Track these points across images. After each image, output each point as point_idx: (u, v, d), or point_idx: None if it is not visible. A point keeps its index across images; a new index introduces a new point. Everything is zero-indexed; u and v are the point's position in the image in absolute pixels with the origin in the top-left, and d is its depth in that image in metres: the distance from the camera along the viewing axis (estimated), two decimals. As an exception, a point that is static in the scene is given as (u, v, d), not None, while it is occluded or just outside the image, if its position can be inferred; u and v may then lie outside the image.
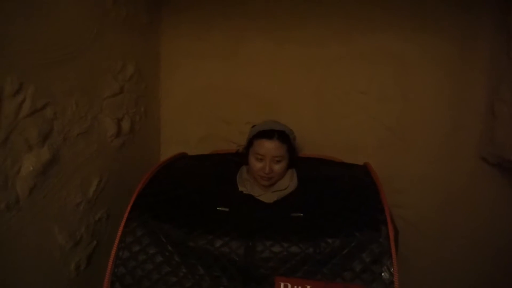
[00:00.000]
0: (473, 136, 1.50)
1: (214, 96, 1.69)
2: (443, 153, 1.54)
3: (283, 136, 1.21)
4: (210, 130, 1.71)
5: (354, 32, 1.54)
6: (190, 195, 1.15)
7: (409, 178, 1.56)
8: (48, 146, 1.00)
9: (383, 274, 0.90)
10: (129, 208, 1.05)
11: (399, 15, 1.50)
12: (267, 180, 1.19)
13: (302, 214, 1.06)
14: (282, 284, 0.92)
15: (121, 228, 1.02)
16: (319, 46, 1.57)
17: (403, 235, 1.43)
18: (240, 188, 1.22)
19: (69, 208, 1.12)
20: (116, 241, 1.00)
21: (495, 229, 1.50)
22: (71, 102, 1.09)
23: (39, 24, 0.96)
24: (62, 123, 1.06)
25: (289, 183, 1.21)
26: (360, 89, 1.57)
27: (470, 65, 1.47)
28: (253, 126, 1.30)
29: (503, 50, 1.35)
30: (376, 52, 1.54)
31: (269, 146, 1.18)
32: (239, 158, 1.34)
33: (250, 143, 1.25)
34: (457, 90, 1.50)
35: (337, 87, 1.59)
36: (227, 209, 1.11)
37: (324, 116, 1.61)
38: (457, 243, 1.55)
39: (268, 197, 1.18)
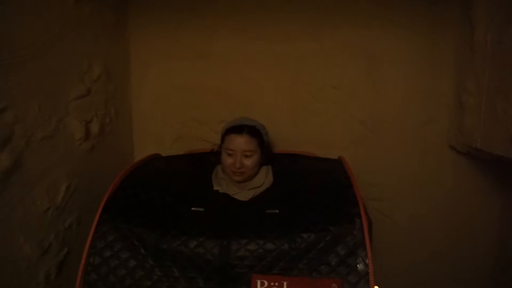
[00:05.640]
0: (444, 127, 1.54)
1: (187, 96, 1.66)
2: (415, 145, 1.57)
3: (253, 130, 1.21)
4: (184, 130, 1.69)
5: (325, 28, 1.55)
6: (163, 196, 1.12)
7: (383, 171, 1.59)
8: (9, 151, 0.95)
9: (358, 265, 0.90)
10: (99, 212, 1.01)
11: (368, 10, 1.52)
12: (239, 175, 1.18)
13: (277, 211, 1.05)
14: (258, 282, 0.91)
15: (91, 233, 0.98)
16: (291, 42, 1.58)
17: (379, 227, 1.45)
18: (216, 187, 1.20)
19: (36, 216, 1.07)
20: (87, 246, 0.97)
21: (469, 215, 1.55)
22: (33, 104, 1.04)
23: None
24: (23, 127, 1.01)
25: (264, 180, 1.21)
26: (332, 84, 1.58)
27: (438, 59, 1.51)
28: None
29: (467, 43, 1.40)
30: (347, 47, 1.56)
31: (238, 141, 1.18)
32: (214, 157, 1.32)
33: (222, 140, 1.24)
34: (426, 83, 1.53)
35: (310, 83, 1.60)
36: (202, 209, 1.09)
37: (298, 112, 1.62)
38: (432, 231, 1.59)
39: (244, 195, 1.17)
